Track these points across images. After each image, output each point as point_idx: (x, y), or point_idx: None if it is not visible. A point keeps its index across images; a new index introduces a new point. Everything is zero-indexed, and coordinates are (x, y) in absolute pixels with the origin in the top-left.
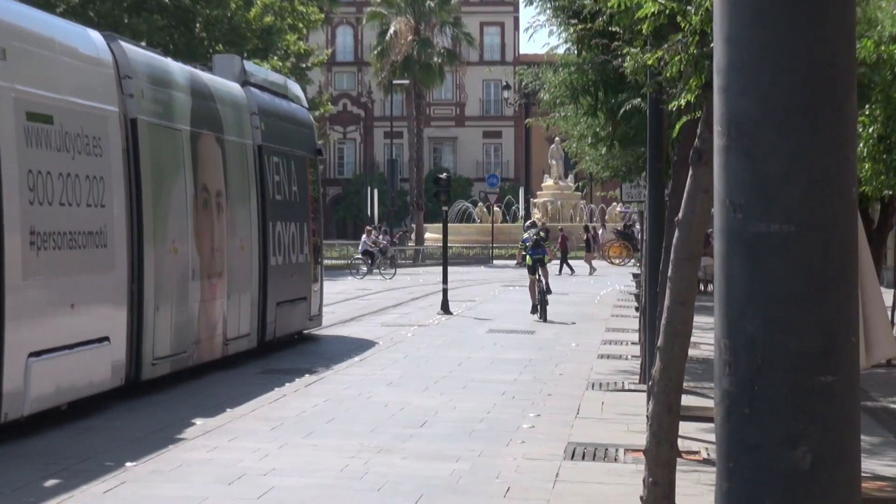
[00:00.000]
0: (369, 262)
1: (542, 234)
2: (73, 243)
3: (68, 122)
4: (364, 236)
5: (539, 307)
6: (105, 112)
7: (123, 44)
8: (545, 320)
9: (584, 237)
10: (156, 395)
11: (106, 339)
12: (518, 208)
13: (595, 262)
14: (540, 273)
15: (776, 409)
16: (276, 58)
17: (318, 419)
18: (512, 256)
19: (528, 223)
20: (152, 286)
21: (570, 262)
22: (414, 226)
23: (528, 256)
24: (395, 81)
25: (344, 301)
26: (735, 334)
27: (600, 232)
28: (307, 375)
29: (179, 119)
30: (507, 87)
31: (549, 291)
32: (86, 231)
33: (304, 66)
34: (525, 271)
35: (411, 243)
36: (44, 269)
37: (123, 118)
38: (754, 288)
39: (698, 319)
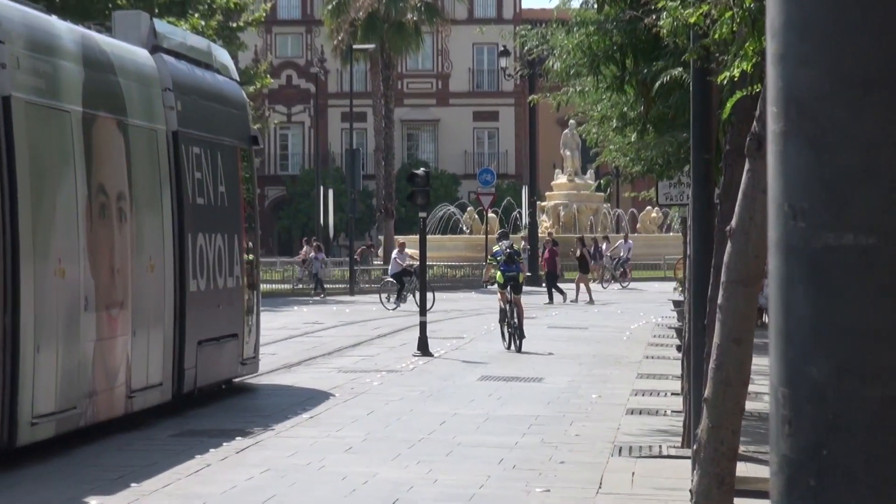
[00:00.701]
0: (400, 287)
1: (518, 247)
2: None
3: None
4: (395, 253)
5: (511, 337)
6: None
7: None
8: (520, 350)
9: (577, 252)
10: (37, 465)
11: None
12: (521, 214)
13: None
14: (512, 301)
15: (852, 482)
16: (196, 15)
17: (252, 498)
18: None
19: (499, 233)
20: (31, 320)
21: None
22: (382, 238)
23: (499, 273)
24: (355, 46)
25: (288, 339)
26: (797, 381)
27: (605, 248)
28: (239, 438)
29: (68, 97)
30: (506, 52)
31: (521, 334)
32: None
33: (234, 25)
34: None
35: (377, 261)
36: None
37: None
38: (822, 319)
39: (758, 362)
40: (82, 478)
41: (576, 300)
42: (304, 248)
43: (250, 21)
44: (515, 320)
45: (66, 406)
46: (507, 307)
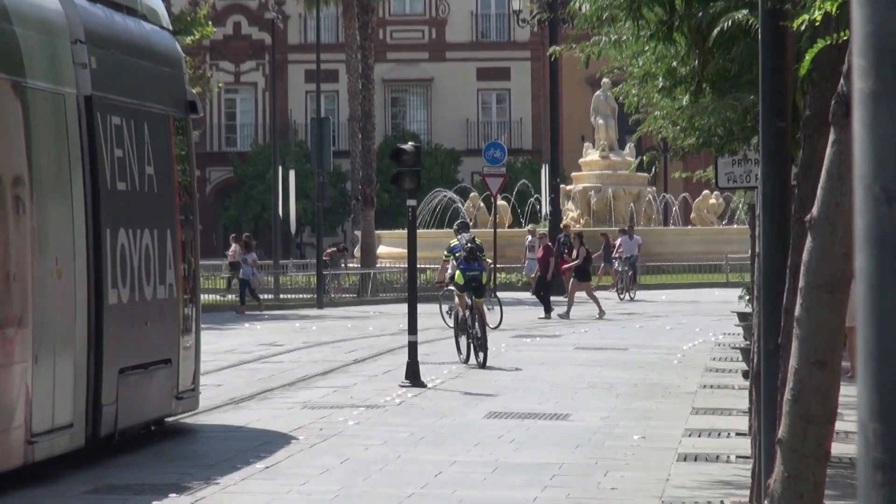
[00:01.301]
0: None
1: (477, 241)
2: None
3: None
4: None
5: (473, 350)
6: None
7: None
8: (484, 365)
9: (573, 253)
10: None
11: None
12: (540, 200)
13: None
14: (474, 308)
15: None
16: None
17: None
18: (526, 286)
19: (457, 223)
20: None
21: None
22: (359, 234)
23: (459, 273)
24: None
25: (237, 365)
26: (892, 415)
27: (622, 247)
28: (173, 496)
29: None
30: None
31: (485, 346)
32: None
33: None
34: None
35: (353, 263)
36: None
37: None
38: None
39: (848, 392)
40: None
41: (567, 315)
42: (233, 247)
43: None
44: (478, 330)
45: None
46: (468, 314)
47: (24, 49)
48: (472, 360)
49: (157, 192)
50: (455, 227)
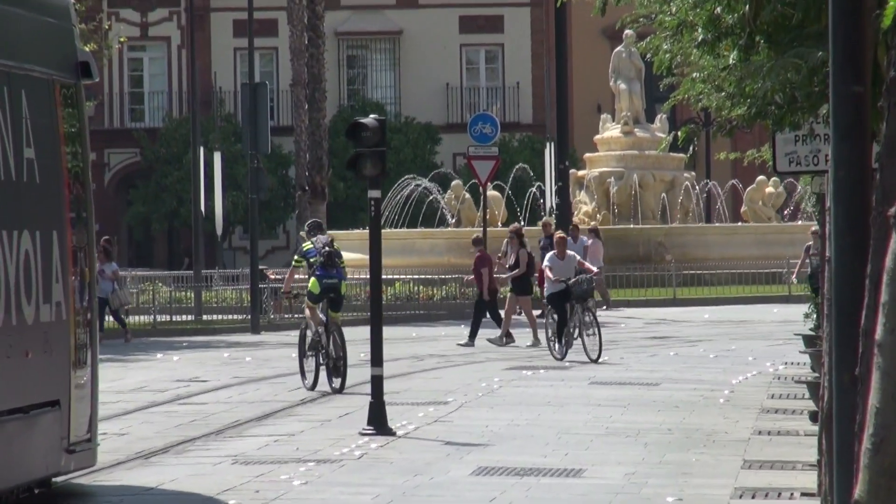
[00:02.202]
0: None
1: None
2: None
3: None
4: (550, 256)
5: (326, 372)
6: None
7: None
8: (341, 390)
9: (509, 256)
10: None
11: None
12: (543, 190)
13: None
14: (330, 323)
15: None
16: None
17: None
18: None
19: (309, 224)
20: None
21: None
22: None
23: (314, 281)
24: None
25: (148, 408)
26: None
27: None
28: None
29: None
30: None
31: (340, 370)
32: None
33: None
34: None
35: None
36: None
37: None
38: None
39: None
40: None
41: (500, 340)
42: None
43: None
44: (333, 349)
45: None
46: (322, 331)
47: None
48: (325, 384)
49: (40, 182)
50: (306, 227)
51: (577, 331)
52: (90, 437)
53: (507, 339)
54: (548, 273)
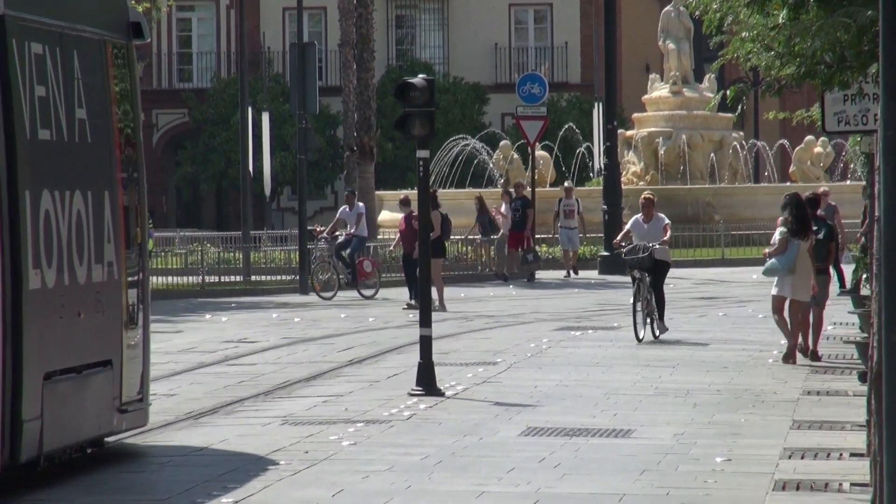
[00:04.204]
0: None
1: None
2: None
3: None
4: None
5: None
6: None
7: None
8: None
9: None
10: None
11: None
12: (591, 150)
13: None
14: None
15: None
16: None
17: None
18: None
19: None
20: None
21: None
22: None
23: None
24: None
25: (197, 369)
26: None
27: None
28: None
29: None
30: None
31: None
32: None
33: None
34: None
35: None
36: None
37: None
38: None
39: None
40: None
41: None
42: None
43: None
44: None
45: None
46: None
47: None
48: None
49: (92, 142)
50: None
51: (641, 301)
52: (142, 398)
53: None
54: (620, 239)
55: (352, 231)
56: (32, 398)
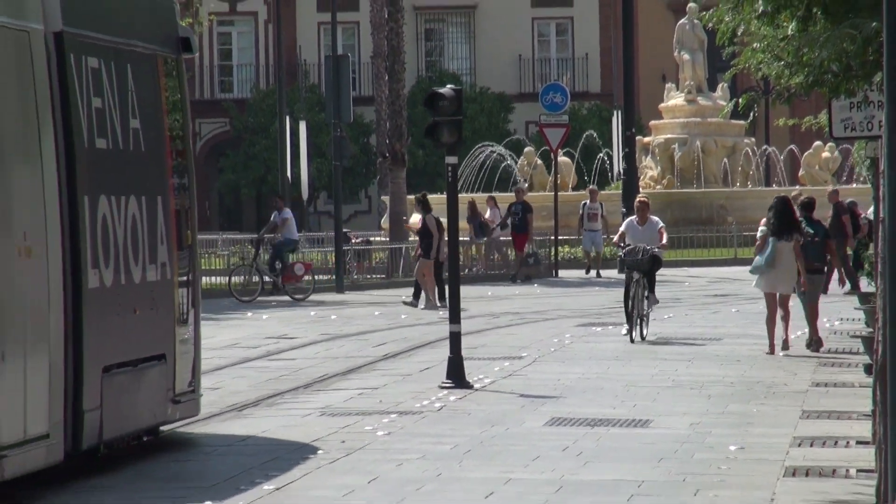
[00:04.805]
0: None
1: None
2: None
3: None
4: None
5: None
6: None
7: None
8: None
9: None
10: None
11: None
12: (611, 156)
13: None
14: None
15: None
16: None
17: None
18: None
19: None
20: None
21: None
22: (386, 200)
23: None
24: None
25: (241, 363)
26: None
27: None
28: None
29: None
30: None
31: None
32: None
33: None
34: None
35: (379, 237)
36: None
37: None
38: None
39: None
40: None
41: (425, 304)
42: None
43: None
44: None
45: None
46: None
47: None
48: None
49: (146, 150)
50: None
51: (635, 301)
52: (193, 389)
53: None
54: (617, 239)
55: (279, 236)
56: (92, 390)
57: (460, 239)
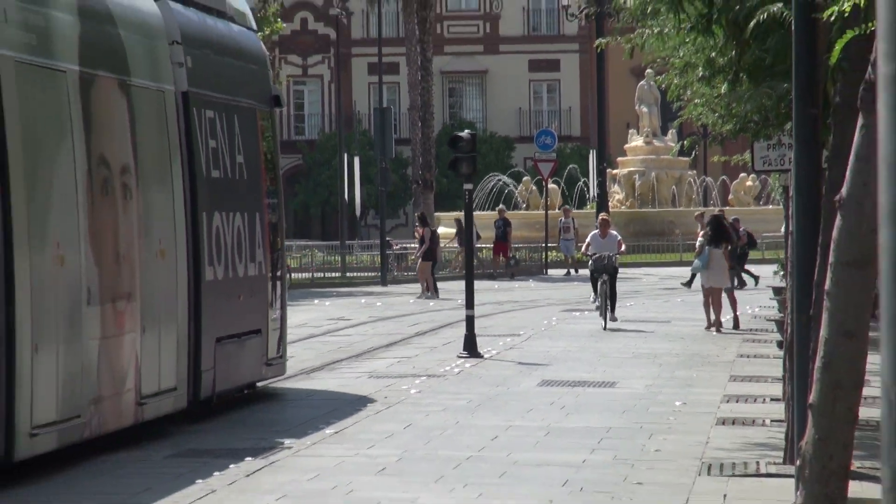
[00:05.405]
0: None
1: None
2: None
3: None
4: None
5: None
6: None
7: None
8: None
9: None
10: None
11: None
12: (587, 185)
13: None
14: None
15: None
16: None
17: None
18: (583, 262)
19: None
20: (28, 315)
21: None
22: (418, 216)
23: None
24: None
25: (309, 338)
26: None
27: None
28: (249, 459)
29: (63, 54)
30: None
31: None
32: None
33: None
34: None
35: (413, 244)
36: None
37: None
38: None
39: (875, 360)
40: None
41: (427, 295)
42: None
43: None
44: None
45: (68, 415)
46: None
47: (128, 50)
48: None
49: (247, 178)
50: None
51: (601, 297)
52: (281, 356)
53: (433, 293)
54: (584, 249)
55: None
56: (208, 355)
57: (448, 246)
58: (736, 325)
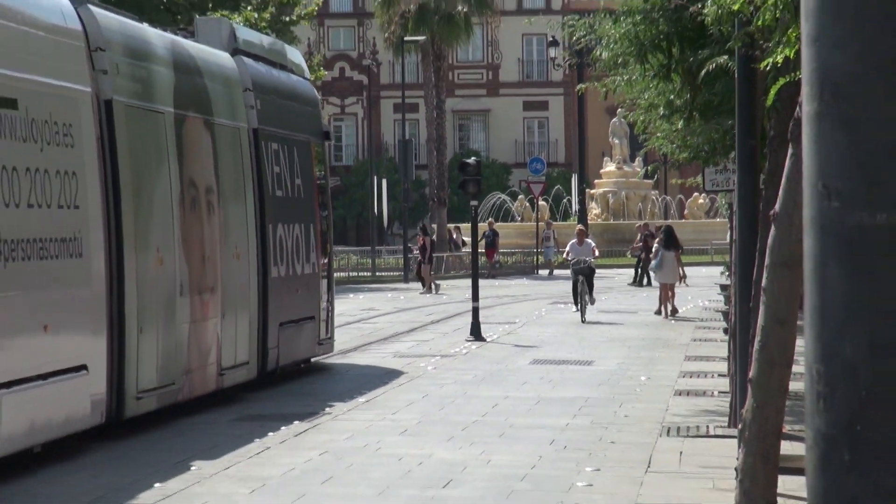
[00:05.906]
0: None
1: None
2: (45, 252)
3: (35, 106)
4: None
5: None
6: (76, 93)
7: (93, 8)
8: None
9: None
10: (106, 448)
11: (83, 367)
12: (570, 202)
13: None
14: None
15: (885, 456)
16: (249, 7)
17: (310, 479)
18: (563, 265)
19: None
20: (135, 304)
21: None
22: (435, 226)
23: None
24: (406, 38)
25: (344, 325)
26: (831, 359)
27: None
28: (297, 422)
29: (161, 99)
30: (555, 43)
31: None
32: (58, 238)
33: (287, 19)
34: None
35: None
36: (12, 283)
37: (96, 99)
38: (855, 298)
39: (803, 343)
40: (146, 461)
41: (431, 289)
42: None
43: (303, 15)
44: None
45: (166, 382)
46: None
47: (211, 96)
48: None
49: (303, 196)
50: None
51: (580, 294)
52: (330, 337)
53: (435, 289)
54: (565, 255)
55: None
56: (273, 336)
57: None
58: (674, 312)
